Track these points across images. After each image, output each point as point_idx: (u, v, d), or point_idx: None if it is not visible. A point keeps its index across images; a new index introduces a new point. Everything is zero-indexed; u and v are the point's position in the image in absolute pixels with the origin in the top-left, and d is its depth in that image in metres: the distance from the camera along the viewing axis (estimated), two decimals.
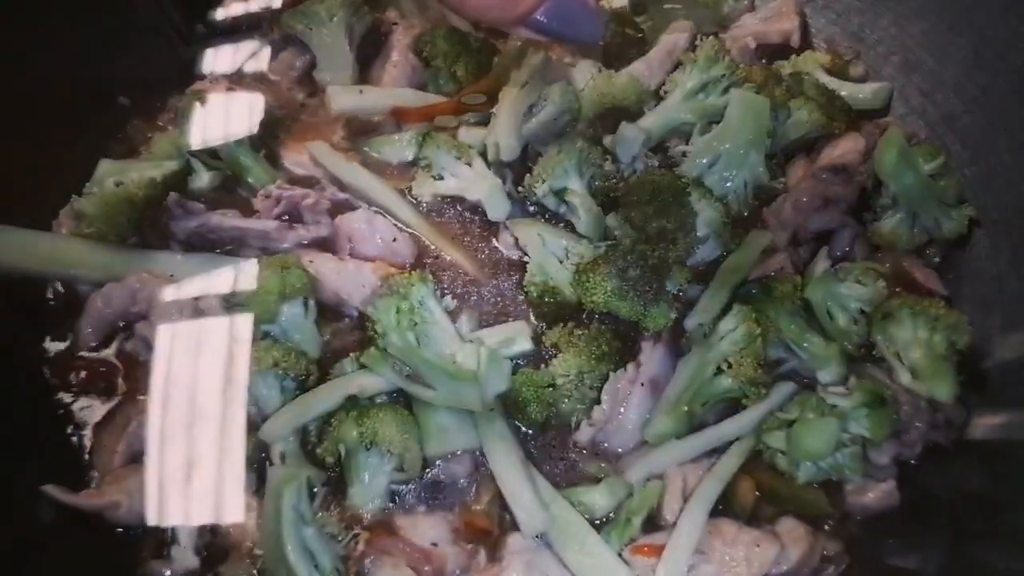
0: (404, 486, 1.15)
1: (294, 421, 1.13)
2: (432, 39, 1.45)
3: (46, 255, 1.24)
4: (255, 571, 1.08)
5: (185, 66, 1.50)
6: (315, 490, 1.10)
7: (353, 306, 1.25)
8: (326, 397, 1.14)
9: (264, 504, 1.07)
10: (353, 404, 1.14)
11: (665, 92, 1.39)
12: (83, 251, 1.25)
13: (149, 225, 1.28)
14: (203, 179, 1.36)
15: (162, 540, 1.10)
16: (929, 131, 1.40)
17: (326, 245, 1.31)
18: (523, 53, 1.40)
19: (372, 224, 1.30)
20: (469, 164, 1.35)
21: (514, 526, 1.11)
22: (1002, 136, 1.27)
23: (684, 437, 1.17)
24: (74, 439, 1.19)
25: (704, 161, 1.32)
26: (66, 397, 1.21)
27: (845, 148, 1.36)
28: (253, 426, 1.12)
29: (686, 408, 1.16)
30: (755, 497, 1.16)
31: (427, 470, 1.15)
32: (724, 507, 1.14)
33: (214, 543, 1.10)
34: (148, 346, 1.19)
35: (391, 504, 1.14)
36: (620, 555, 1.10)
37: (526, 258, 1.28)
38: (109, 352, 1.24)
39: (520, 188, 1.33)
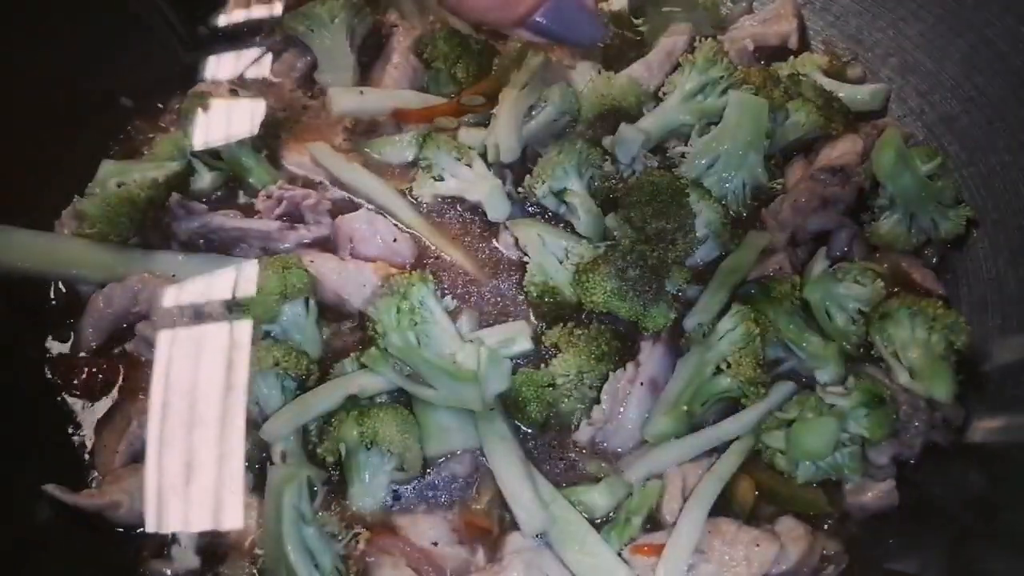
0: (404, 486, 1.15)
1: (295, 421, 1.13)
2: (433, 41, 1.46)
3: (48, 255, 1.24)
4: (255, 571, 1.08)
5: (187, 68, 1.50)
6: (315, 489, 1.10)
7: (354, 306, 1.25)
8: (327, 397, 1.14)
9: (264, 504, 1.07)
10: (353, 404, 1.14)
11: (664, 94, 1.40)
12: (85, 251, 1.25)
13: (151, 225, 1.28)
14: (205, 180, 1.36)
15: (162, 540, 1.10)
16: (927, 132, 1.40)
17: (327, 245, 1.32)
18: (523, 55, 1.41)
19: (373, 224, 1.30)
20: (469, 165, 1.35)
21: (514, 525, 1.11)
22: (1000, 137, 1.28)
23: (683, 437, 1.17)
24: (74, 439, 1.19)
25: (703, 162, 1.33)
26: (67, 397, 1.21)
27: (843, 149, 1.36)
28: (254, 425, 1.13)
29: (685, 408, 1.16)
30: (754, 496, 1.16)
31: (427, 470, 1.15)
32: (724, 506, 1.14)
33: (214, 543, 1.10)
34: (149, 346, 1.19)
35: (391, 503, 1.14)
36: (620, 554, 1.10)
37: (526, 258, 1.28)
38: (110, 352, 1.24)
39: (520, 189, 1.34)
